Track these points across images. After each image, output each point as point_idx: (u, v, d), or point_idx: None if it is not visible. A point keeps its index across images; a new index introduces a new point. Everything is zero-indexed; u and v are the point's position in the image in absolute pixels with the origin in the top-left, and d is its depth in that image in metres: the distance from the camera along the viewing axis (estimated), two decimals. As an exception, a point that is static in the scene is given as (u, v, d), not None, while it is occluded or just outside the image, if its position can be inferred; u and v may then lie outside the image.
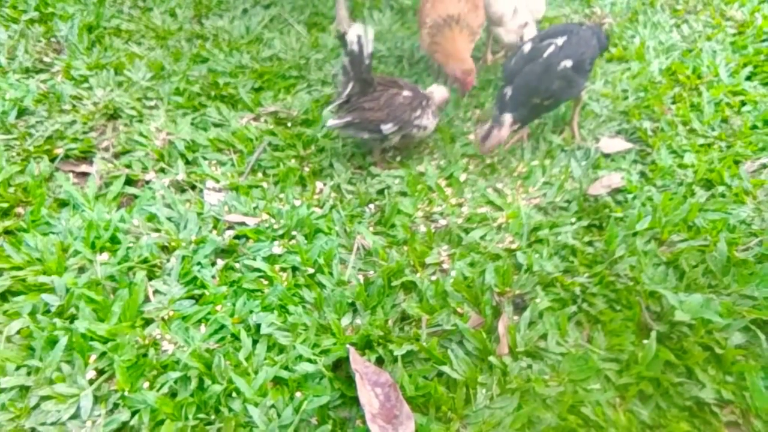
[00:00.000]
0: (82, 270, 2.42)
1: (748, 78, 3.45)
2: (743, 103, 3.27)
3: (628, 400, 2.00)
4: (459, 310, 2.30)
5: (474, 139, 2.92)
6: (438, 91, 3.07)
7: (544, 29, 3.22)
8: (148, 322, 2.25)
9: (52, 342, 2.10)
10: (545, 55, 2.84)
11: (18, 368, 2.07)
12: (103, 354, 2.10)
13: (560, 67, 2.80)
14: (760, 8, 4.00)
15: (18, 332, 2.17)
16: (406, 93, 2.92)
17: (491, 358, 2.10)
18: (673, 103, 3.32)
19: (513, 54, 3.01)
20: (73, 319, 2.21)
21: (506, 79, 2.91)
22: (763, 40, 3.72)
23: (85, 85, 3.41)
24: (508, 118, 2.80)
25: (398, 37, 3.97)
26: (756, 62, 3.53)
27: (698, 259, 2.43)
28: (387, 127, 2.84)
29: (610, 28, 3.97)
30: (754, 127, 3.11)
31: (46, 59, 3.58)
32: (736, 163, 2.89)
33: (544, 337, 2.19)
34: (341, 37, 2.73)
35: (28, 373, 2.05)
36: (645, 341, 2.12)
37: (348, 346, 2.12)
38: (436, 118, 3.02)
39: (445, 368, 2.08)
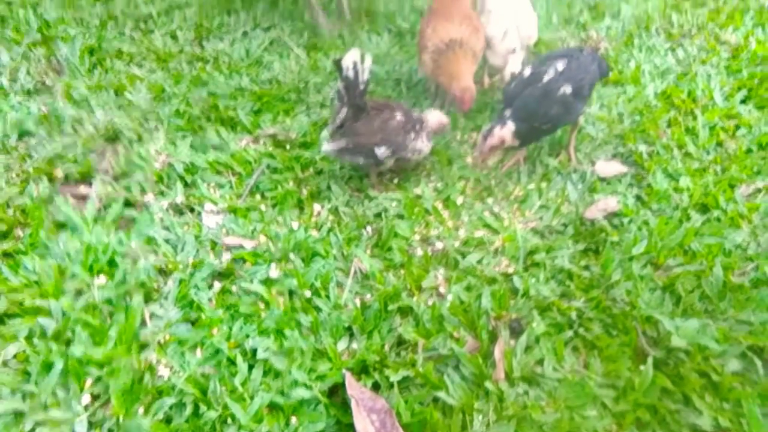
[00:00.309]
0: (79, 293, 2.42)
1: (743, 101, 3.48)
2: (738, 127, 3.30)
3: (626, 428, 2.00)
4: (455, 334, 2.30)
5: (476, 141, 2.91)
6: (433, 116, 3.06)
7: (543, 53, 3.26)
8: (144, 346, 2.24)
9: (48, 366, 2.10)
10: (545, 80, 2.87)
11: (13, 392, 2.06)
12: (98, 379, 2.09)
13: (559, 93, 2.83)
14: (753, 32, 4.05)
15: (14, 356, 2.17)
16: (399, 116, 2.94)
17: (487, 384, 2.10)
18: (669, 126, 3.35)
19: (513, 79, 3.05)
20: (69, 343, 2.21)
21: (506, 103, 2.94)
22: (758, 64, 3.76)
23: (86, 106, 3.44)
24: (510, 122, 2.83)
25: (396, 60, 4.01)
26: (750, 86, 3.57)
27: (694, 283, 2.44)
28: (381, 151, 2.86)
29: (605, 52, 4.01)
30: (749, 150, 3.13)
31: (48, 81, 3.62)
32: (732, 186, 2.91)
33: (540, 362, 2.19)
34: (337, 63, 2.75)
35: (24, 398, 2.05)
36: (642, 367, 2.12)
37: (344, 371, 2.12)
38: (430, 142, 3.04)
39: (441, 394, 2.07)
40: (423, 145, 2.98)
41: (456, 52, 3.19)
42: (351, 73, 2.73)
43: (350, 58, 2.71)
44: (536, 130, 2.90)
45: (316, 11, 4.35)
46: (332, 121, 2.92)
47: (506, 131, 2.84)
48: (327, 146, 2.87)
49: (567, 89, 2.83)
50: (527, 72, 2.96)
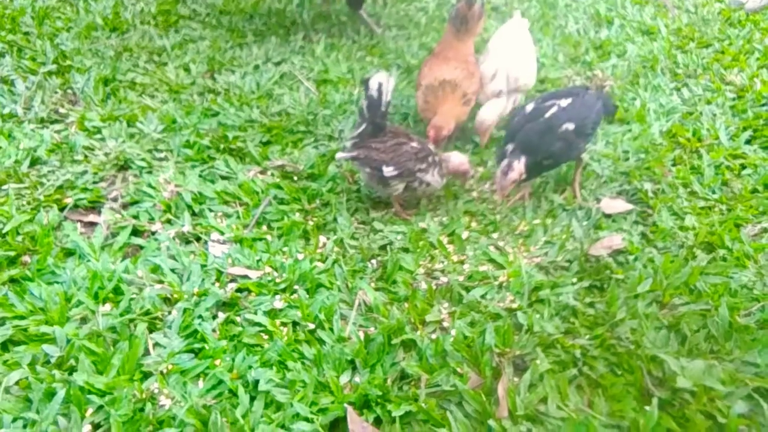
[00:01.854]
0: (84, 320, 2.43)
1: (748, 142, 3.51)
2: (743, 167, 3.32)
3: (630, 469, 1.97)
4: (459, 370, 2.29)
5: (495, 179, 2.92)
6: (456, 158, 3.10)
7: (548, 92, 3.31)
8: (146, 375, 2.24)
9: (50, 394, 2.10)
10: (547, 115, 2.91)
11: (15, 420, 2.05)
12: (100, 408, 2.09)
13: (561, 129, 2.87)
14: (758, 73, 4.10)
15: (17, 383, 2.17)
16: (414, 144, 3.01)
17: (490, 422, 2.08)
18: (674, 165, 3.37)
19: (516, 114, 3.09)
20: (72, 370, 2.21)
21: (508, 137, 2.98)
22: (763, 104, 3.80)
23: (98, 136, 3.50)
24: (523, 156, 2.86)
25: (404, 95, 4.07)
26: (756, 126, 3.60)
27: (700, 323, 2.42)
28: (388, 170, 2.91)
29: (611, 90, 4.06)
30: (755, 190, 3.14)
31: (62, 110, 3.69)
32: (737, 226, 2.91)
33: (544, 400, 2.17)
34: (365, 82, 2.92)
35: (25, 426, 2.04)
36: (647, 408, 2.10)
37: (346, 405, 2.10)
38: (443, 179, 3.08)
39: (444, 431, 2.05)
40: (433, 179, 3.03)
41: (445, 91, 3.30)
42: (375, 93, 2.88)
43: (377, 78, 2.88)
44: (537, 165, 2.93)
45: (368, 22, 4.61)
46: (352, 133, 3.04)
47: (522, 165, 2.87)
48: (341, 153, 3.00)
49: (570, 126, 2.86)
50: (530, 108, 3.01)
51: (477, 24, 3.52)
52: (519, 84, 3.45)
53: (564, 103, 2.94)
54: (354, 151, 2.98)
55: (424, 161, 2.99)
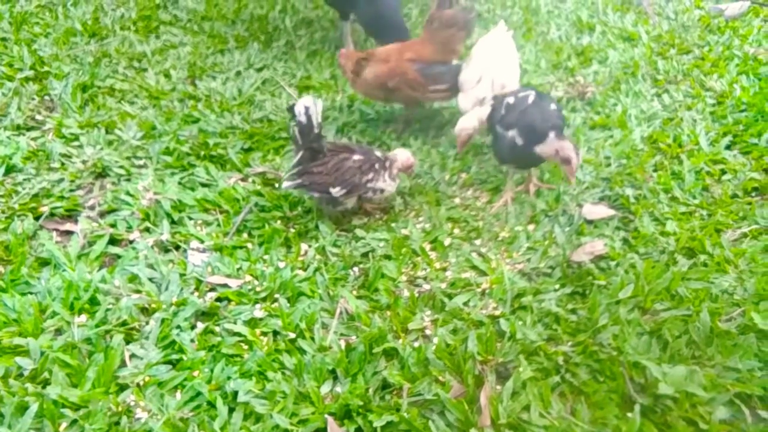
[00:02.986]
0: (59, 332, 2.38)
1: (728, 147, 3.53)
2: (723, 172, 3.34)
3: (612, 477, 1.96)
4: (441, 378, 2.26)
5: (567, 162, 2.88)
6: (401, 155, 3.12)
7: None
8: (122, 387, 2.19)
9: (23, 408, 2.04)
10: (530, 101, 2.95)
11: (-15, 436, 2.01)
12: (74, 422, 2.04)
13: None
14: (738, 79, 4.13)
15: (-12, 397, 2.11)
16: (356, 157, 2.99)
17: (473, 431, 2.06)
18: (655, 170, 3.38)
19: (497, 107, 3.09)
20: (46, 383, 2.16)
21: (506, 126, 2.98)
22: (742, 110, 3.83)
23: (76, 143, 3.45)
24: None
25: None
26: (735, 132, 3.63)
27: (681, 329, 2.42)
28: (336, 191, 2.92)
29: (592, 96, 4.08)
30: (735, 195, 3.16)
31: (39, 117, 3.63)
32: (718, 231, 2.92)
33: (527, 408, 2.15)
34: (290, 109, 2.89)
35: (-5, 441, 1.99)
36: (629, 414, 2.09)
37: (327, 416, 2.07)
38: (395, 181, 3.07)
39: (426, 441, 2.03)
40: (386, 184, 3.02)
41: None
42: (303, 118, 2.86)
43: (302, 103, 2.86)
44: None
45: (344, 35, 4.61)
46: (291, 162, 3.03)
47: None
48: (286, 183, 2.99)
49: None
50: (511, 99, 3.04)
51: (443, 31, 3.56)
52: (504, 91, 3.43)
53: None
54: (298, 179, 2.96)
55: (370, 171, 2.97)
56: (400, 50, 3.61)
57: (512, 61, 3.55)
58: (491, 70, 3.41)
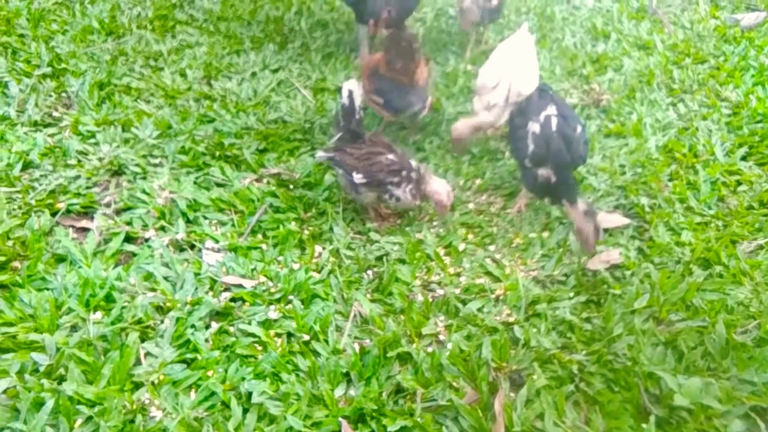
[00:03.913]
0: (74, 328, 2.39)
1: (744, 158, 3.52)
2: (739, 183, 3.33)
3: (627, 488, 1.95)
4: (455, 384, 2.26)
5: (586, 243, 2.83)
6: (436, 184, 2.94)
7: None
8: (137, 385, 2.20)
9: (39, 404, 2.05)
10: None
11: (2, 430, 2.01)
12: (89, 419, 2.04)
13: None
14: (754, 90, 4.12)
15: (4, 392, 2.12)
16: (390, 156, 2.97)
17: (487, 438, 2.06)
18: (670, 180, 3.37)
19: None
20: (61, 380, 2.17)
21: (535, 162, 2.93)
22: (758, 121, 3.82)
23: (92, 140, 3.46)
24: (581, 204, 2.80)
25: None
26: (751, 143, 3.61)
27: (697, 340, 2.41)
28: (358, 177, 2.92)
29: (607, 104, 4.07)
30: (750, 207, 3.15)
31: (56, 114, 3.65)
32: (733, 243, 2.92)
33: (541, 416, 2.15)
34: (339, 90, 2.98)
35: (11, 437, 2.00)
36: (644, 425, 2.09)
37: (340, 419, 2.08)
38: (415, 199, 2.96)
39: (440, 447, 2.03)
40: (403, 195, 2.94)
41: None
42: (347, 101, 2.95)
43: (347, 86, 2.95)
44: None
45: (359, 39, 4.56)
46: (332, 138, 3.12)
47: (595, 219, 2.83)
48: (320, 153, 3.07)
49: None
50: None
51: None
52: (520, 98, 3.39)
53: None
54: (331, 152, 3.03)
55: (396, 175, 2.92)
56: (376, 60, 3.64)
57: (532, 67, 3.51)
58: (509, 75, 3.37)
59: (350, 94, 2.94)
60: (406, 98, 3.48)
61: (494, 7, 4.41)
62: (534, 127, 2.93)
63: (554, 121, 2.90)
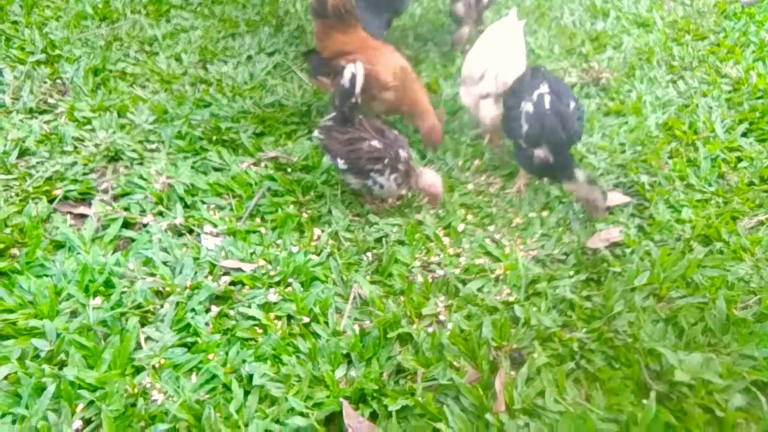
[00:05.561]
0: (74, 314, 2.39)
1: (744, 135, 3.50)
2: (739, 159, 3.31)
3: (628, 463, 1.96)
4: (455, 364, 2.27)
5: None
6: (429, 176, 2.91)
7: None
8: (138, 370, 2.20)
9: (40, 389, 2.06)
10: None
11: (3, 415, 2.01)
12: (90, 403, 2.05)
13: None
14: (754, 66, 4.08)
15: (6, 378, 2.12)
16: (373, 143, 2.89)
17: (488, 416, 2.06)
18: (670, 157, 3.36)
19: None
20: (62, 365, 2.17)
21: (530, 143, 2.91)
22: (759, 97, 3.79)
23: (88, 126, 3.44)
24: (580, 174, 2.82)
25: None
26: (752, 119, 3.59)
27: (697, 316, 2.41)
28: (341, 163, 2.92)
29: (607, 82, 4.04)
30: (751, 183, 3.13)
31: (51, 100, 3.62)
32: (734, 219, 2.91)
33: (541, 394, 2.15)
34: (341, 69, 2.91)
35: (14, 422, 2.00)
36: (644, 401, 2.09)
37: (341, 399, 2.08)
38: (399, 188, 2.93)
39: (441, 425, 2.03)
40: (387, 182, 2.89)
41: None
42: (347, 83, 2.87)
43: (350, 69, 2.87)
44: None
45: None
46: (325, 118, 3.08)
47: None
48: (315, 132, 3.08)
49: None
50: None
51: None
52: (506, 88, 3.20)
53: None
54: (322, 134, 3.02)
55: (377, 162, 2.86)
56: None
57: (519, 56, 3.30)
58: (495, 65, 3.18)
59: (353, 77, 2.86)
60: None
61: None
62: (527, 106, 2.89)
63: (547, 99, 2.86)
